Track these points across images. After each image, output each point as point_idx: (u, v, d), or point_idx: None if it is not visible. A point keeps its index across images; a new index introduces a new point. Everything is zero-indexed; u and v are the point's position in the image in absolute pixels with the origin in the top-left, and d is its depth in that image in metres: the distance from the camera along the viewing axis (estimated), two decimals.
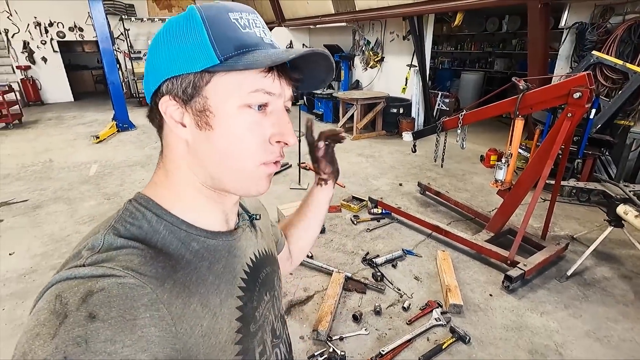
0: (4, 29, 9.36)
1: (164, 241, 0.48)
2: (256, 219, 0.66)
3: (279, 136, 0.49)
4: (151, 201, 0.50)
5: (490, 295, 2.53)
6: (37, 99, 9.96)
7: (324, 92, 7.71)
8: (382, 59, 7.36)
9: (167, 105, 0.47)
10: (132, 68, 10.37)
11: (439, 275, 2.72)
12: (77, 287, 0.38)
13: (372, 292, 2.56)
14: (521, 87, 2.54)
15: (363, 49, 7.71)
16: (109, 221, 0.48)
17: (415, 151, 3.71)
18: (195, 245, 0.50)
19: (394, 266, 2.84)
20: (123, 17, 9.99)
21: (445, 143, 3.40)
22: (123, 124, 7.14)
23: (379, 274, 2.68)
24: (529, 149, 4.39)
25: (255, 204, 0.75)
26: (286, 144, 0.50)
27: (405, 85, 6.93)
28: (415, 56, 6.45)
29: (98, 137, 6.35)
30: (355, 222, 3.51)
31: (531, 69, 4.62)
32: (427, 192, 4.10)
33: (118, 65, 8.48)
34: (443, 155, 3.47)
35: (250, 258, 0.60)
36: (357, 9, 6.93)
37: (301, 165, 4.59)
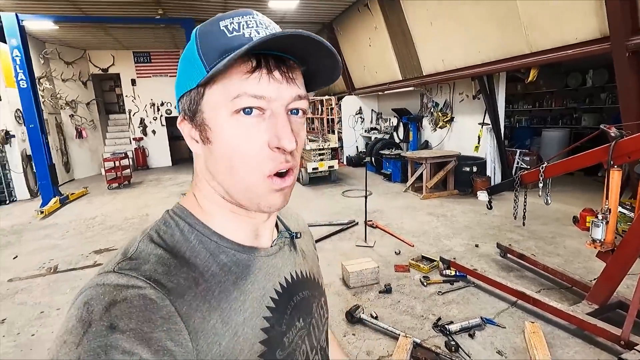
0: (128, 110, 11.64)
1: (193, 251, 0.48)
2: (297, 237, 0.63)
3: (275, 140, 0.44)
4: (186, 211, 0.51)
5: None
6: (144, 164, 11.80)
7: (392, 152, 7.79)
8: (451, 119, 7.30)
9: (183, 124, 0.50)
10: None
11: (528, 352, 2.30)
12: (103, 296, 0.40)
13: None
14: (612, 135, 2.28)
15: (431, 110, 7.79)
16: (148, 227, 0.50)
17: (490, 208, 3.43)
18: (223, 258, 0.49)
19: (471, 336, 2.49)
20: None
21: (525, 200, 3.10)
22: None
23: (453, 343, 2.37)
24: (634, 209, 3.75)
25: (301, 225, 0.72)
26: (284, 149, 0.45)
27: (478, 143, 6.67)
28: (487, 115, 6.29)
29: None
30: (425, 283, 3.24)
31: (625, 120, 4.14)
32: (508, 255, 3.66)
33: None
34: (524, 213, 3.14)
35: (285, 278, 0.56)
36: (424, 74, 7.17)
37: (367, 222, 4.53)
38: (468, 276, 3.24)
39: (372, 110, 10.47)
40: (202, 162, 0.50)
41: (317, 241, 4.34)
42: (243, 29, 0.44)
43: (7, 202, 7.55)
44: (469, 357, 2.28)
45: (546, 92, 9.12)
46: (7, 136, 7.49)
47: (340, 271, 3.46)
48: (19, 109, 7.41)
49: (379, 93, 9.36)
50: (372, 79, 9.20)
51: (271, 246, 0.56)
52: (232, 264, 0.50)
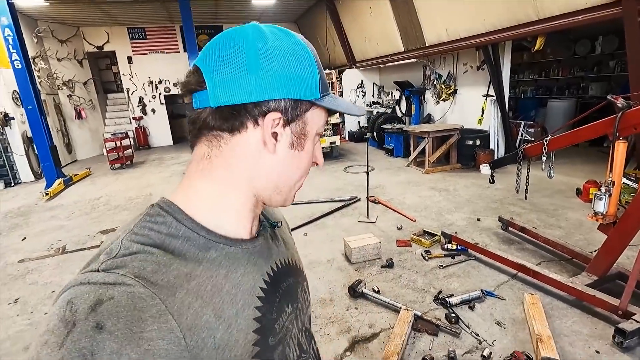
0: (126, 89, 11.47)
1: (182, 247, 0.47)
2: (278, 227, 0.65)
3: (316, 158, 0.57)
4: (173, 205, 0.50)
5: (597, 352, 2.09)
6: (145, 143, 11.75)
7: (394, 127, 7.69)
8: (455, 91, 7.15)
9: (275, 122, 0.49)
10: None
11: (527, 322, 2.35)
12: (87, 295, 0.38)
13: (445, 334, 2.31)
14: (619, 105, 2.22)
15: (434, 82, 7.61)
16: (130, 224, 0.49)
17: (493, 182, 3.41)
18: (213, 253, 0.49)
19: (471, 308, 2.54)
20: None
21: (528, 173, 3.08)
22: None
23: (453, 315, 2.42)
24: (638, 180, 3.72)
25: (278, 214, 0.74)
26: (317, 164, 0.59)
27: (482, 116, 6.56)
28: (491, 86, 6.14)
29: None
30: (426, 257, 3.28)
31: (634, 89, 4.02)
32: (510, 228, 3.68)
33: None
34: (527, 187, 3.13)
35: (272, 267, 0.58)
36: (427, 44, 6.95)
37: (369, 198, 4.54)
38: (469, 250, 3.27)
39: (374, 83, 10.25)
40: (259, 159, 0.51)
41: (319, 218, 4.39)
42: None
43: (12, 184, 7.62)
44: (469, 328, 2.34)
45: (553, 60, 8.85)
46: (7, 118, 7.44)
47: (343, 247, 3.51)
48: (15, 90, 7.32)
49: (381, 66, 9.13)
50: (373, 51, 8.94)
51: (256, 237, 0.57)
52: (222, 258, 0.50)
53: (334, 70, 9.69)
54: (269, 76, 0.46)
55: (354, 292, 2.76)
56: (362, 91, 10.17)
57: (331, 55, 11.31)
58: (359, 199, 4.98)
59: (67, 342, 0.36)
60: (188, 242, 0.47)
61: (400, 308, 2.51)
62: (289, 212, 4.61)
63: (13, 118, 7.54)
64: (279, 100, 0.48)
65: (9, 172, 7.58)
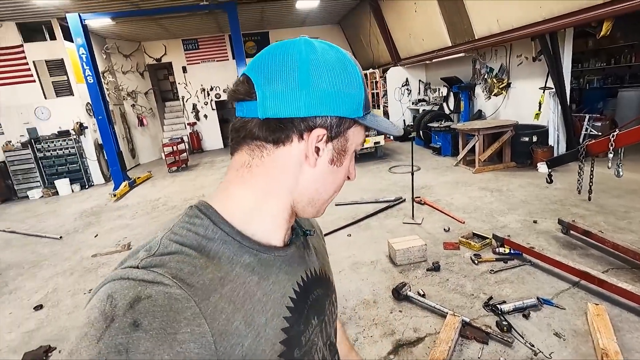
0: (182, 97, 12.30)
1: (217, 250, 0.47)
2: (310, 234, 0.64)
3: (350, 173, 0.57)
4: (211, 209, 0.50)
5: None
6: (199, 147, 12.50)
7: (442, 125, 7.41)
8: (508, 85, 6.71)
9: (319, 137, 0.49)
10: None
11: (590, 335, 2.16)
12: (127, 290, 0.39)
13: (495, 343, 2.20)
14: None
15: (485, 76, 7.22)
16: (170, 224, 0.50)
17: (551, 182, 3.17)
18: (247, 258, 0.49)
19: (526, 316, 2.39)
20: None
21: (592, 171, 2.81)
22: None
23: (505, 323, 2.29)
24: None
25: (312, 222, 0.73)
26: (349, 178, 0.59)
27: (539, 110, 6.09)
28: (550, 78, 5.68)
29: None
30: (476, 261, 3.14)
31: None
32: (571, 232, 3.38)
33: None
34: (590, 186, 2.86)
35: (302, 277, 0.57)
36: (476, 37, 6.62)
37: (415, 199, 4.44)
38: (524, 254, 3.07)
39: (420, 80, 9.96)
40: (299, 172, 0.51)
41: (363, 219, 4.38)
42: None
43: (87, 186, 8.52)
44: (523, 337, 2.21)
45: (624, 45, 7.95)
46: (82, 128, 8.36)
47: (387, 248, 3.47)
48: (88, 102, 8.18)
49: (427, 62, 8.84)
50: (418, 47, 8.69)
51: (288, 245, 0.57)
52: (255, 264, 0.50)
53: (377, 70, 9.55)
54: (319, 93, 0.47)
55: (398, 294, 2.72)
56: (407, 89, 9.93)
57: (375, 54, 11.18)
58: (404, 200, 4.88)
59: (105, 336, 0.37)
60: (223, 246, 0.48)
61: (447, 313, 2.43)
62: (333, 213, 4.65)
63: (87, 127, 8.45)
64: (326, 117, 0.49)
65: (84, 176, 8.50)
